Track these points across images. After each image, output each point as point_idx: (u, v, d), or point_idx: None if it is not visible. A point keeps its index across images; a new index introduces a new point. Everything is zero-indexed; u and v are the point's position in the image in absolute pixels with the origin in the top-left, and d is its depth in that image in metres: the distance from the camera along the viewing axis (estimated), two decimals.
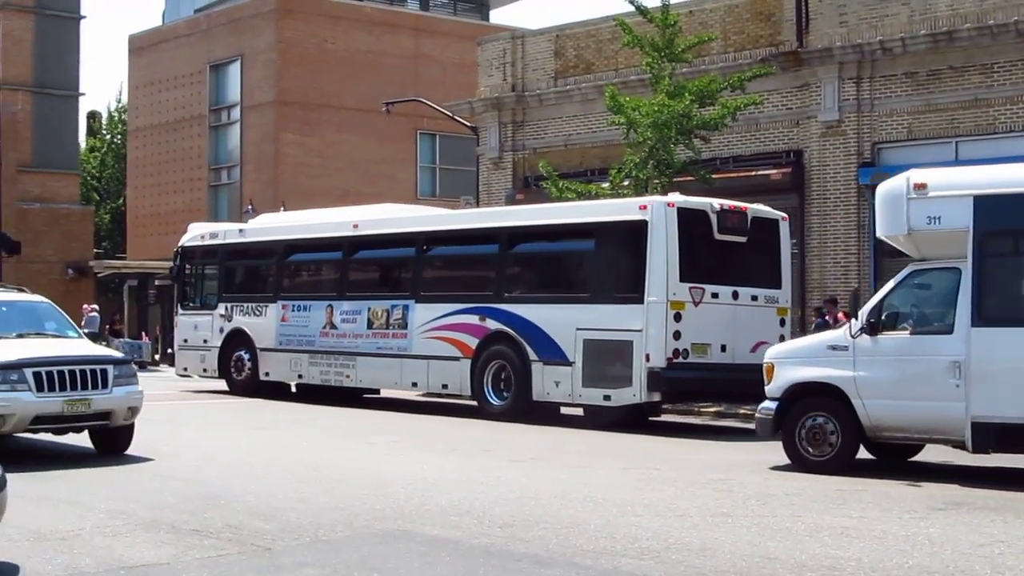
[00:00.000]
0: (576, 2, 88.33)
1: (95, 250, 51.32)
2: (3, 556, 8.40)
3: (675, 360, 17.97)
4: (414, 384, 21.97)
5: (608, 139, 27.06)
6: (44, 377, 13.42)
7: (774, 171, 25.35)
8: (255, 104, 45.96)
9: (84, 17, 49.36)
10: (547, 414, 19.71)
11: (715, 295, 18.50)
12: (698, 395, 20.38)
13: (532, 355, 19.53)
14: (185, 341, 26.62)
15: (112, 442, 14.42)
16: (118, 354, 16.28)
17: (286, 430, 18.12)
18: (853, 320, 13.56)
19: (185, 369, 26.90)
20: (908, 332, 13.33)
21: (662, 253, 18.07)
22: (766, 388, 14.12)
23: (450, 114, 33.76)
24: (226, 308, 25.49)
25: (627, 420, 18.87)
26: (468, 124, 32.96)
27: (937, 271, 13.44)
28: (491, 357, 20.23)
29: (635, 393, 18.16)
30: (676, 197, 18.86)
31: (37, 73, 46.54)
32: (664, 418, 20.83)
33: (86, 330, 24.15)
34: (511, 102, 30.66)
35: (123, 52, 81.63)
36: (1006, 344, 12.56)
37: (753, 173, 25.50)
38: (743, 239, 19.12)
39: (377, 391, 24.50)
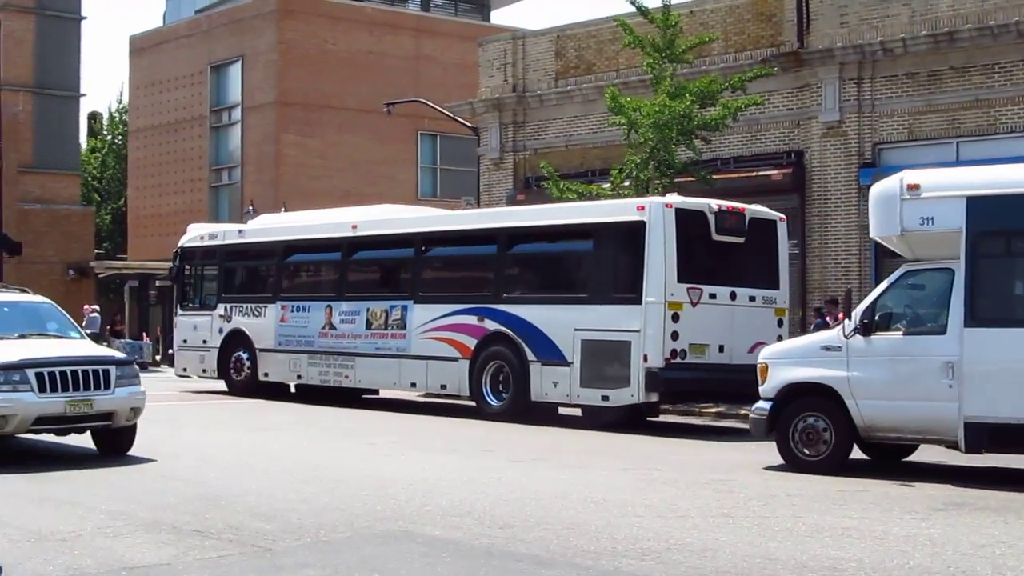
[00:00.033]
0: (577, 3, 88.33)
1: (96, 251, 51.27)
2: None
3: (673, 360, 17.99)
4: (413, 384, 21.99)
5: (609, 140, 27.05)
6: (46, 378, 13.42)
7: (775, 172, 25.34)
8: (256, 105, 45.95)
9: (85, 18, 49.46)
10: (545, 414, 19.73)
11: (713, 296, 18.51)
12: (696, 395, 20.37)
13: (530, 355, 19.55)
14: (184, 342, 26.64)
15: (114, 443, 14.40)
16: (120, 355, 16.26)
17: (286, 430, 18.13)
18: (847, 320, 13.57)
19: (184, 370, 26.91)
20: (901, 332, 13.35)
21: (660, 254, 18.08)
22: (760, 388, 14.16)
23: (451, 115, 33.75)
24: (225, 309, 25.51)
25: (625, 420, 18.91)
26: (469, 125, 32.95)
27: (930, 272, 13.48)
28: (489, 357, 20.25)
29: (633, 393, 18.18)
30: (674, 198, 18.87)
31: (38, 74, 46.49)
32: (662, 418, 20.84)
33: (87, 331, 24.12)
34: (512, 103, 30.66)
35: (124, 53, 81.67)
36: (999, 344, 12.60)
37: (754, 174, 25.49)
38: (741, 240, 19.14)
39: (376, 391, 24.53)
